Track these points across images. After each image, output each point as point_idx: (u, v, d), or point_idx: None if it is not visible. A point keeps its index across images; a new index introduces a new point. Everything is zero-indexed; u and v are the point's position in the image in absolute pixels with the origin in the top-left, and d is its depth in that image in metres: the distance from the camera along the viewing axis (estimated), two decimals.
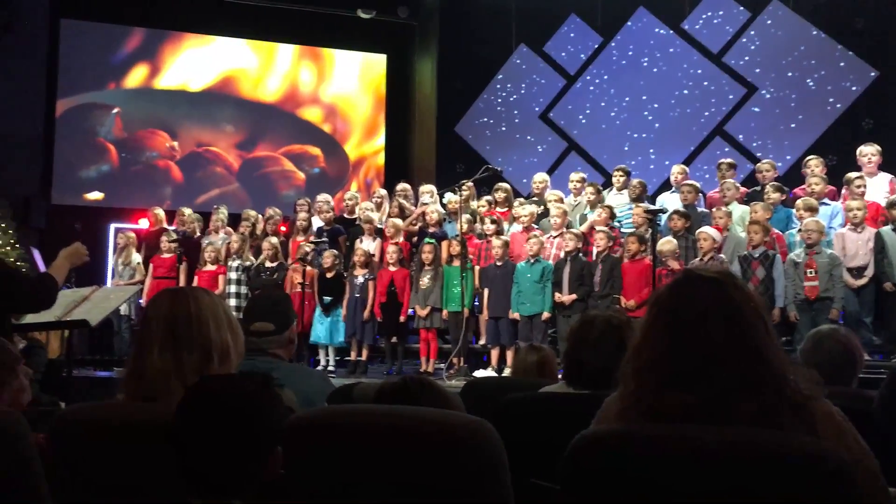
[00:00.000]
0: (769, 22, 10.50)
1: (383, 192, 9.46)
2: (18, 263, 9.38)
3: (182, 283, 8.37)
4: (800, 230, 6.92)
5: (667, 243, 7.01)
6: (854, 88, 9.96)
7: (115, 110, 11.76)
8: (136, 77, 11.91)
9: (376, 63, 12.98)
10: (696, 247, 7.09)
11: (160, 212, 9.60)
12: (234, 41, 12.31)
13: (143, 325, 2.01)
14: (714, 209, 7.60)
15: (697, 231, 7.11)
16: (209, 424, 1.55)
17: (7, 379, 2.41)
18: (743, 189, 8.23)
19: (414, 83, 12.89)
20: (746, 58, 10.58)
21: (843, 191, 7.55)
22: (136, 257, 8.97)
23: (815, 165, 7.85)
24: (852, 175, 7.34)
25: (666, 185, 9.19)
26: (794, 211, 7.32)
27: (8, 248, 9.54)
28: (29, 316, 4.46)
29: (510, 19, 11.58)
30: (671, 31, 11.02)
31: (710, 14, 10.83)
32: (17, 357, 2.51)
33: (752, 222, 6.99)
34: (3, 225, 9.74)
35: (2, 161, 10.35)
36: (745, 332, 1.51)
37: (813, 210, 7.01)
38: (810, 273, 6.62)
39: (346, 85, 12.79)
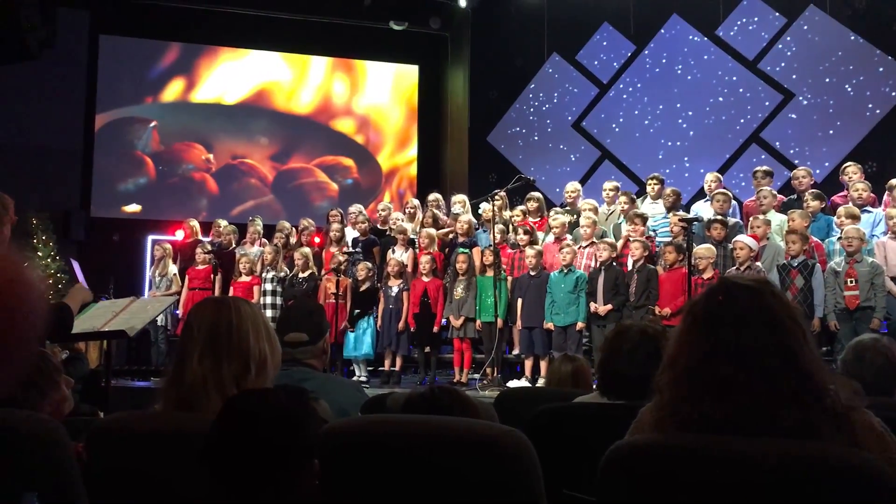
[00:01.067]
0: (805, 27, 10.36)
1: (416, 202, 9.48)
2: (59, 275, 9.57)
3: (217, 293, 8.45)
4: (840, 238, 6.80)
5: (705, 250, 6.92)
6: (894, 94, 9.78)
7: (152, 124, 11.96)
8: (172, 91, 12.11)
9: (409, 74, 13.05)
10: (732, 256, 6.99)
11: (195, 223, 9.73)
12: (268, 54, 12.45)
13: (185, 333, 2.03)
14: (752, 218, 7.49)
15: (733, 240, 7.01)
16: (245, 440, 1.55)
17: (49, 389, 2.45)
18: (780, 197, 8.12)
19: (446, 93, 12.93)
20: (783, 64, 10.45)
21: (885, 198, 7.41)
22: (173, 268, 9.08)
23: (853, 172, 7.72)
24: (894, 182, 7.20)
25: (701, 194, 9.09)
26: (834, 219, 7.20)
27: (48, 260, 9.74)
28: None
29: (542, 28, 11.57)
30: (705, 38, 10.93)
31: (745, 20, 10.71)
32: (58, 368, 2.54)
33: (790, 231, 6.88)
34: (44, 237, 9.95)
35: (43, 175, 10.58)
36: (783, 341, 1.48)
37: (855, 218, 6.89)
38: (850, 282, 6.50)
39: (379, 96, 12.87)
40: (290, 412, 1.60)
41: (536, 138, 11.81)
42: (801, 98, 10.33)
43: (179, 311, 8.62)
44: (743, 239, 6.92)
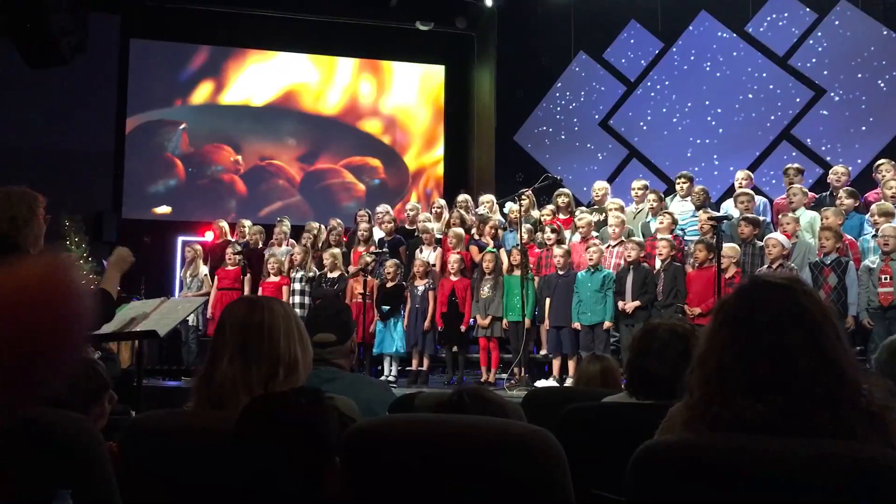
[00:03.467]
0: (837, 23, 10.21)
1: (443, 202, 9.49)
2: (91, 276, 9.71)
3: (247, 293, 8.51)
4: (875, 236, 6.69)
5: (729, 249, 6.85)
6: None
7: (182, 126, 12.09)
8: (201, 93, 12.23)
9: (435, 74, 13.07)
10: (762, 254, 6.91)
11: (224, 224, 9.82)
12: (295, 56, 12.54)
13: (218, 332, 2.02)
14: (780, 215, 7.40)
15: (766, 238, 6.93)
16: (260, 445, 1.55)
17: (92, 403, 2.47)
18: (811, 194, 8.01)
19: (473, 93, 12.92)
20: (814, 60, 10.31)
21: None
22: (204, 269, 9.17)
23: (886, 169, 7.60)
24: None
25: (731, 192, 9.00)
26: (867, 217, 7.09)
27: (81, 261, 9.89)
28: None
29: (569, 27, 11.52)
30: (734, 35, 10.81)
31: (774, 16, 10.59)
32: (106, 385, 2.55)
33: (823, 228, 6.79)
34: (76, 239, 10.10)
35: (76, 178, 10.74)
36: (815, 340, 1.46)
37: (889, 215, 6.77)
38: (885, 279, 6.40)
39: (406, 96, 12.90)
40: (305, 415, 1.59)
41: (563, 137, 11.76)
42: (832, 94, 10.19)
43: (210, 312, 8.70)
44: (776, 236, 6.83)
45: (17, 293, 0.87)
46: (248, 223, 9.65)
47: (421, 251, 8.37)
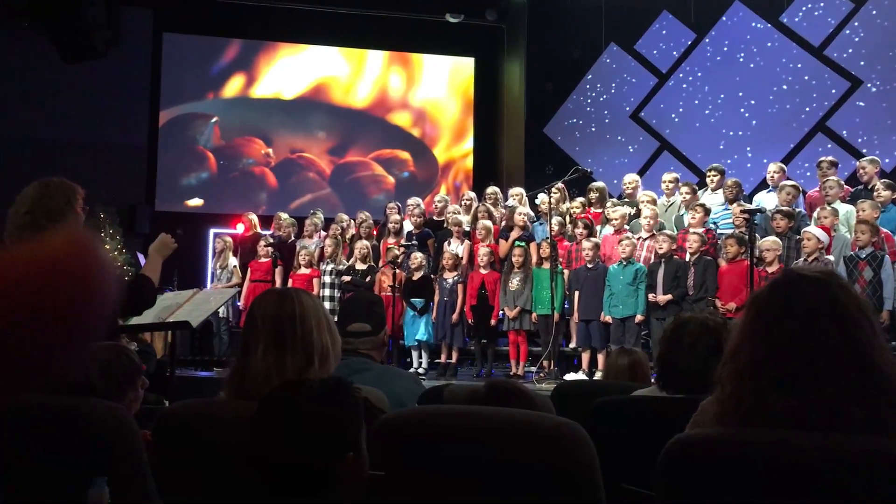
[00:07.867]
0: (874, 12, 10.02)
1: (472, 194, 9.48)
2: (125, 268, 9.84)
3: (278, 285, 8.57)
4: None
5: (771, 243, 6.76)
6: None
7: (214, 119, 12.20)
8: (233, 87, 12.33)
9: (465, 66, 13.04)
10: (799, 247, 6.81)
11: (254, 217, 9.90)
12: (325, 49, 12.58)
13: (249, 324, 2.03)
14: (819, 209, 7.28)
15: (803, 231, 6.82)
16: (280, 431, 1.54)
17: (126, 389, 2.50)
18: (847, 187, 7.87)
19: (502, 85, 12.88)
20: (850, 50, 10.13)
21: None
22: (233, 261, 9.26)
23: None
24: None
25: (764, 184, 8.88)
26: None
27: (115, 253, 10.02)
28: (135, 318, 4.65)
29: (600, 18, 11.42)
30: (769, 25, 10.66)
31: (810, 6, 10.42)
32: (139, 369, 2.58)
33: (859, 221, 6.68)
34: (111, 231, 10.24)
35: (110, 170, 10.89)
36: (851, 334, 1.44)
37: None
38: None
39: (435, 89, 12.89)
40: (326, 404, 1.57)
41: (594, 129, 11.68)
42: (869, 85, 10.01)
43: (241, 303, 8.79)
44: (812, 230, 6.72)
45: (37, 265, 0.87)
46: (284, 215, 9.71)
47: (449, 244, 8.37)
